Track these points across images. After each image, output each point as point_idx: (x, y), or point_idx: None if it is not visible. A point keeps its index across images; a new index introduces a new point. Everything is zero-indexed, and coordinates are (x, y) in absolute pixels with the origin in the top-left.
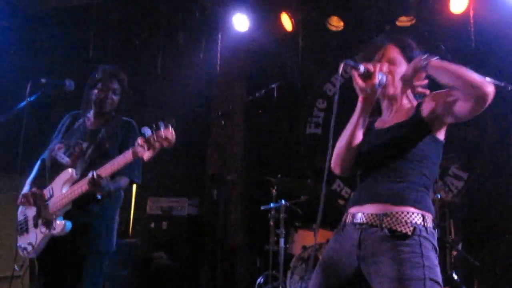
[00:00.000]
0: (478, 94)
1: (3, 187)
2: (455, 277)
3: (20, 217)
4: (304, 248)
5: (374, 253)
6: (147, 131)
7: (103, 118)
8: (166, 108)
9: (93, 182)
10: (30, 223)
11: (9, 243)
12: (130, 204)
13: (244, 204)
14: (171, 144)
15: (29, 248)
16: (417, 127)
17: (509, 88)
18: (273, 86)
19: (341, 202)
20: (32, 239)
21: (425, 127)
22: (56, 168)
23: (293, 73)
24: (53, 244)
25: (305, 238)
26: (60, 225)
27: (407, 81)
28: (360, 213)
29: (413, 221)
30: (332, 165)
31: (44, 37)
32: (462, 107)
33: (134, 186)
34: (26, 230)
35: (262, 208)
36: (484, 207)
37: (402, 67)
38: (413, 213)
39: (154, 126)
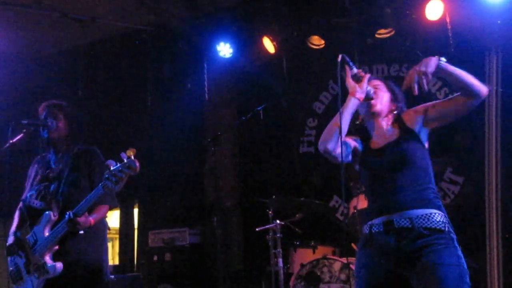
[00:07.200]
0: (476, 92)
1: None
2: None
3: (11, 267)
4: (302, 265)
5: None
6: (112, 163)
7: (62, 154)
8: (158, 140)
9: (72, 222)
10: (23, 271)
11: None
12: (133, 238)
13: (243, 227)
14: (135, 172)
15: None
16: (414, 138)
17: (489, 89)
18: (259, 108)
19: (340, 217)
20: (28, 286)
21: (417, 137)
22: (33, 214)
23: (279, 94)
24: (51, 286)
25: (304, 256)
26: (52, 267)
27: (426, 73)
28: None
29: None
30: (321, 141)
31: (33, 80)
32: (456, 106)
33: (136, 221)
34: (21, 278)
35: (257, 229)
36: (481, 210)
37: (387, 95)
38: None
39: (118, 158)
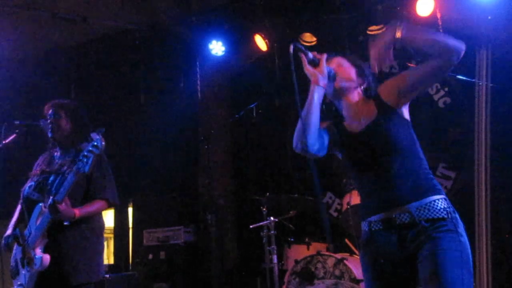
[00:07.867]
0: (452, 51)
1: None
2: None
3: (12, 262)
4: (296, 262)
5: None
6: (85, 146)
7: (66, 149)
8: (152, 139)
9: (52, 208)
10: (19, 264)
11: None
12: (127, 237)
13: (238, 225)
14: (100, 150)
15: None
16: (394, 115)
17: (480, 83)
18: (251, 106)
19: (333, 214)
20: (22, 280)
21: (397, 113)
22: (30, 206)
23: (271, 91)
24: (42, 280)
25: (298, 253)
26: (39, 259)
27: (386, 47)
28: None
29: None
30: (295, 140)
31: (25, 80)
32: (430, 70)
33: (130, 220)
34: (18, 273)
35: (251, 227)
36: (473, 205)
37: (351, 70)
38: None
39: (88, 138)
